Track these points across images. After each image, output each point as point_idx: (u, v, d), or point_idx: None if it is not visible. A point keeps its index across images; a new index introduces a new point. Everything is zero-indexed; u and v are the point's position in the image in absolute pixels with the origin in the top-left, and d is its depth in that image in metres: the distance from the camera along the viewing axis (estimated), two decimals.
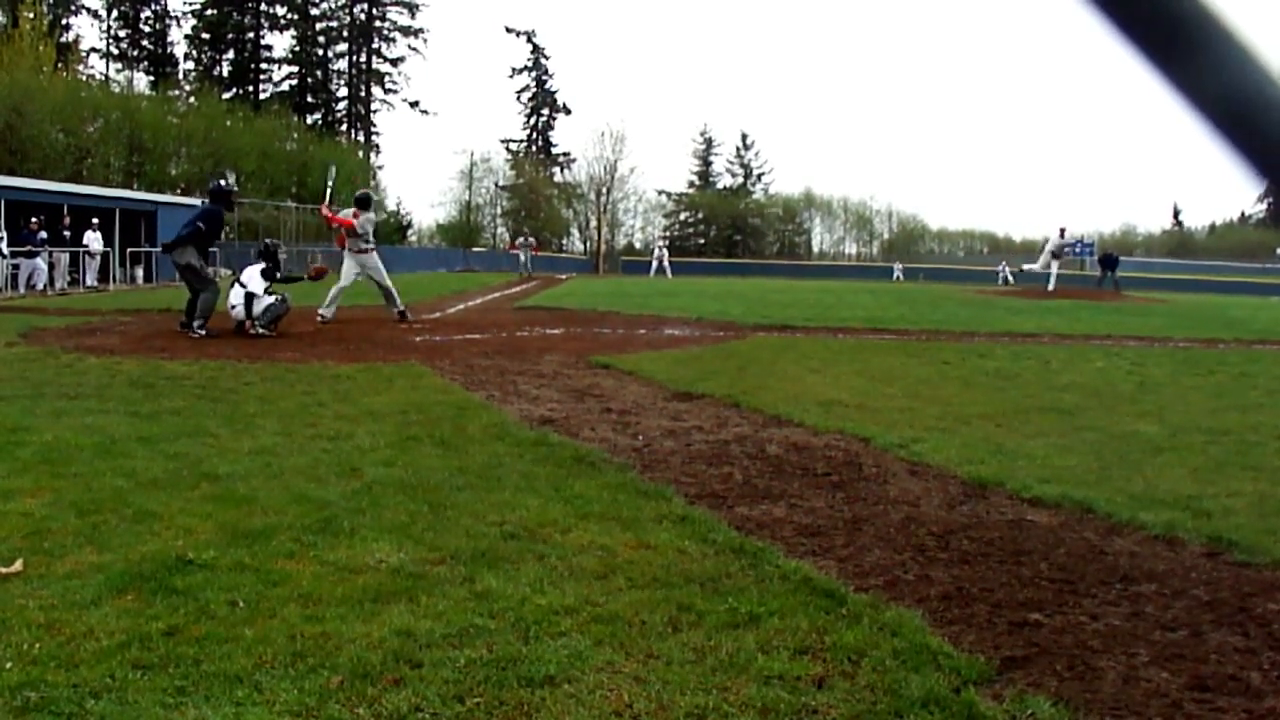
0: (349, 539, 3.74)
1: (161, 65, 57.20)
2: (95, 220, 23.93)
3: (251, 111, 49.80)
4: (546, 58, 69.00)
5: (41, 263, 21.62)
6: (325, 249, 36.93)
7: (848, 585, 3.36)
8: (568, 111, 69.74)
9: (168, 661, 2.66)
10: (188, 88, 53.07)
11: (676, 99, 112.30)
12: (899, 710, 2.49)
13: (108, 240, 24.40)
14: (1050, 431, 6.30)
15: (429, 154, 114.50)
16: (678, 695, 2.54)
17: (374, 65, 62.65)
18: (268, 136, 45.47)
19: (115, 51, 57.07)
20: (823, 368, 9.36)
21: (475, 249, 55.77)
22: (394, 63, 62.68)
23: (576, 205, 64.64)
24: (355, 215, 13.56)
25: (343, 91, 63.00)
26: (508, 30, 73.09)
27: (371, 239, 13.65)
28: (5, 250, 20.37)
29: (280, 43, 63.82)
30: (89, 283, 23.39)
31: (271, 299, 11.28)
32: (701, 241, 68.82)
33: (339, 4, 61.23)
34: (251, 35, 59.62)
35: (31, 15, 38.70)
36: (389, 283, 13.50)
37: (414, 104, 68.26)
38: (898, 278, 49.25)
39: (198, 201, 13.61)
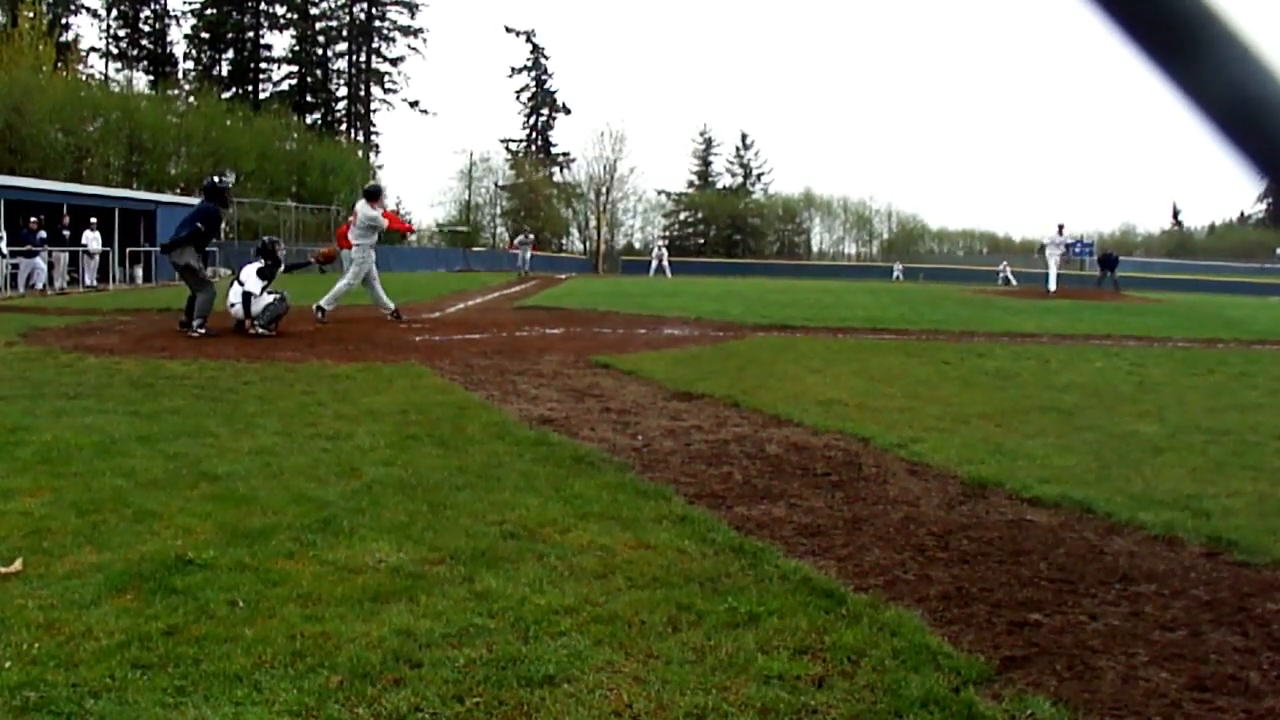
0: (349, 539, 3.74)
1: (161, 65, 57.20)
2: (94, 220, 23.93)
3: (251, 111, 49.80)
4: (546, 57, 69.10)
5: (41, 262, 21.62)
6: (325, 248, 36.91)
7: (847, 585, 3.36)
8: (567, 111, 69.83)
9: (167, 661, 2.66)
10: (187, 87, 53.10)
11: (676, 99, 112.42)
12: (898, 710, 2.49)
13: (107, 240, 24.40)
14: (1050, 431, 6.30)
15: (429, 154, 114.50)
16: (677, 695, 2.54)
17: (374, 65, 62.67)
18: (267, 136, 45.47)
19: (115, 51, 57.13)
20: (822, 367, 9.36)
21: (475, 248, 55.76)
22: (394, 62, 62.73)
23: (576, 205, 64.65)
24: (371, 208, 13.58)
25: (342, 91, 63.03)
26: (507, 30, 73.24)
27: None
28: (5, 250, 20.37)
29: (280, 42, 63.86)
30: (88, 282, 23.38)
31: (271, 298, 11.27)
32: (701, 241, 68.83)
33: (339, 3, 61.25)
34: (251, 35, 59.61)
35: (31, 15, 38.70)
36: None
37: (414, 104, 68.25)
38: (897, 277, 49.21)
39: (197, 201, 13.54)
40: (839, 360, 10.02)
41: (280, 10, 59.75)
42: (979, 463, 5.25)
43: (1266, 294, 38.18)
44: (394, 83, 62.97)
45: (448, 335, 11.94)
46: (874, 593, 3.31)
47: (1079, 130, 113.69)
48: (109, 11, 56.23)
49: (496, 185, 63.56)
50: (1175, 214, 79.82)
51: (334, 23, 61.77)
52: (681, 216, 71.39)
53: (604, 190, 61.57)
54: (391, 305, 13.56)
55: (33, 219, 21.91)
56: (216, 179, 12.39)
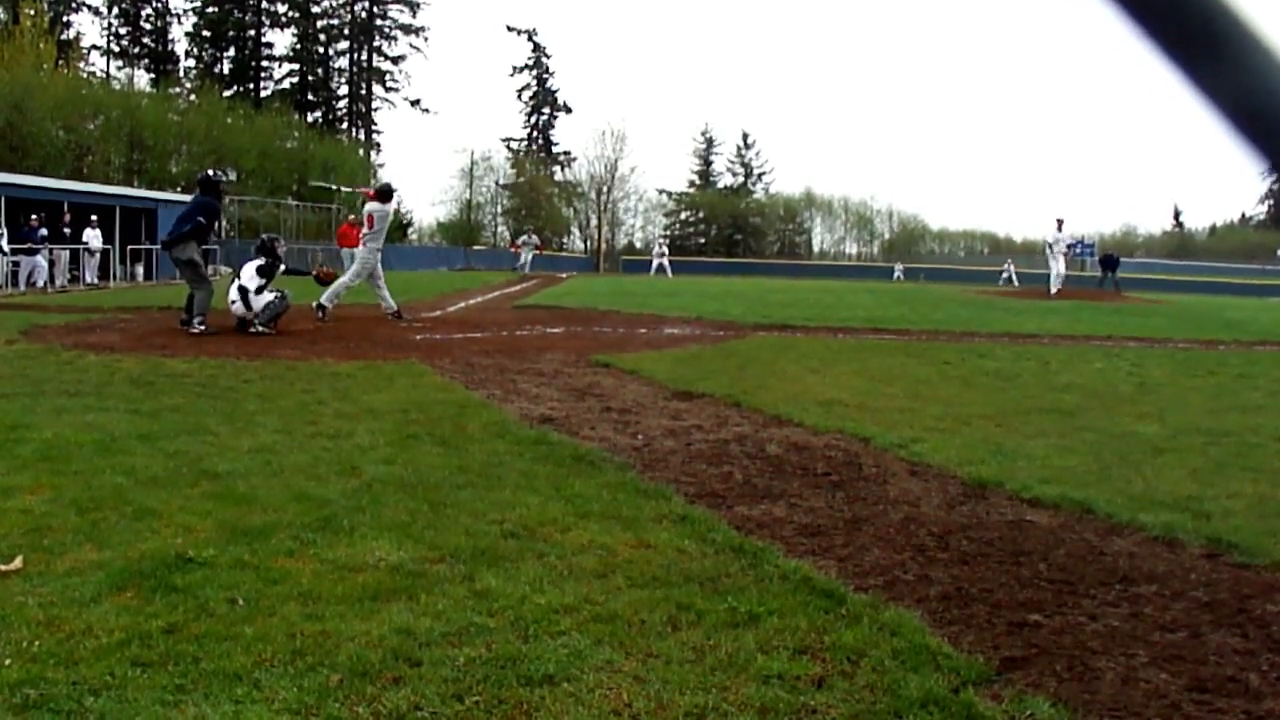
0: (349, 537, 3.74)
1: (162, 62, 57.20)
2: (95, 217, 23.93)
3: (252, 109, 49.82)
4: (547, 56, 69.06)
5: (42, 260, 21.61)
6: (326, 247, 36.96)
7: (847, 585, 3.36)
8: (568, 110, 69.80)
9: (167, 659, 2.67)
10: (188, 85, 53.11)
11: (677, 98, 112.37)
12: (898, 710, 2.49)
13: (108, 238, 24.41)
14: (1050, 432, 6.30)
15: (430, 152, 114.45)
16: (677, 694, 2.54)
17: (375, 63, 62.66)
18: (268, 134, 45.48)
19: (116, 49, 57.12)
20: (823, 367, 9.36)
21: (476, 247, 55.77)
22: (395, 61, 62.73)
23: (577, 204, 64.62)
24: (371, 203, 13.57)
25: (344, 89, 63.02)
26: (509, 29, 73.17)
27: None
28: (6, 247, 20.38)
29: (281, 40, 63.93)
30: (89, 280, 23.38)
31: (272, 295, 11.26)
32: (702, 241, 68.80)
33: (340, 2, 61.26)
34: (252, 33, 59.62)
35: (32, 12, 38.74)
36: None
37: (415, 102, 68.07)
38: (898, 278, 49.15)
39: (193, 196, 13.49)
40: (839, 360, 10.01)
41: (281, 8, 59.80)
42: (979, 463, 5.25)
43: (1267, 295, 38.16)
44: (395, 81, 63.02)
45: (448, 334, 11.94)
46: (874, 593, 3.31)
47: (1080, 131, 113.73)
48: (110, 9, 56.25)
49: (498, 184, 63.57)
50: (1176, 215, 79.75)
51: (335, 21, 61.79)
52: (682, 216, 71.37)
53: (605, 189, 61.56)
54: (394, 305, 13.55)
55: (34, 216, 21.91)
56: (211, 172, 12.34)
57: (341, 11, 61.61)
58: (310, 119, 57.53)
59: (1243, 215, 78.03)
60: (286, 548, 3.60)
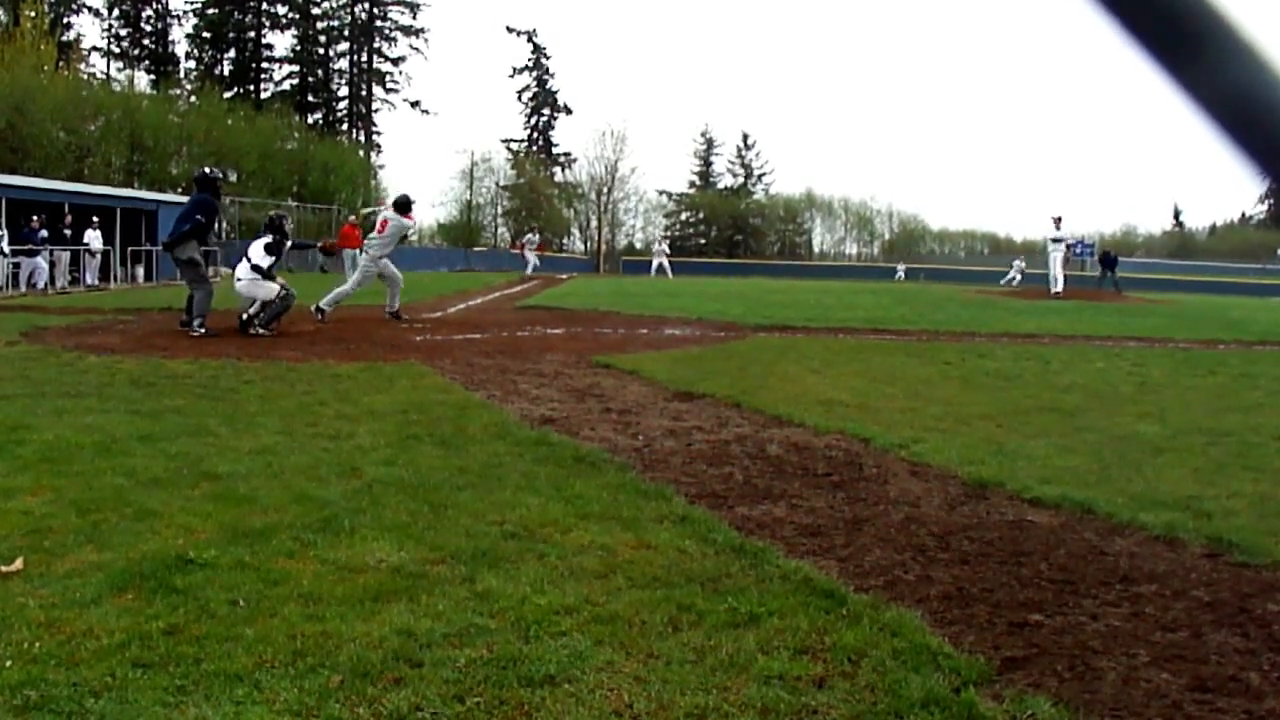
0: (349, 538, 3.74)
1: (163, 64, 57.21)
2: (96, 219, 23.95)
3: (253, 110, 49.83)
4: (547, 57, 68.97)
5: (42, 261, 21.62)
6: (331, 240, 36.95)
7: (848, 585, 3.36)
8: (569, 111, 69.73)
9: (168, 660, 2.67)
10: (189, 86, 53.10)
11: (677, 99, 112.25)
12: (899, 710, 2.49)
13: (108, 239, 24.42)
14: (1051, 432, 6.30)
15: (430, 154, 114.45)
16: (678, 695, 2.54)
17: (375, 65, 62.63)
18: (269, 136, 45.50)
19: (116, 50, 57.11)
20: (823, 368, 9.36)
21: (476, 248, 55.78)
22: (395, 62, 62.69)
23: (577, 205, 64.61)
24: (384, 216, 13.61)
25: (344, 91, 62.97)
26: (508, 30, 72.99)
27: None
28: (6, 249, 20.39)
29: (281, 42, 63.75)
30: (89, 281, 23.39)
31: (276, 291, 11.26)
32: (702, 241, 68.77)
33: (340, 3, 61.23)
34: (253, 34, 59.61)
35: (33, 14, 38.76)
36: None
37: (415, 103, 68.00)
38: (900, 277, 49.05)
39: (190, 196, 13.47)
40: (840, 361, 10.01)
41: (282, 10, 59.78)
42: (980, 463, 5.25)
43: (1268, 295, 38.15)
44: (395, 82, 62.97)
45: (449, 335, 11.94)
46: (875, 593, 3.31)
47: (1080, 131, 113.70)
48: (110, 11, 56.26)
49: (498, 185, 63.55)
50: (1176, 215, 79.68)
51: (335, 22, 61.77)
52: (683, 217, 71.33)
53: (605, 190, 61.53)
54: (397, 307, 13.56)
55: (34, 218, 21.92)
56: (207, 170, 12.30)
57: (342, 13, 61.61)
58: (310, 120, 57.54)
59: (1243, 215, 78.01)
60: (287, 549, 3.60)
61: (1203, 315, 20.19)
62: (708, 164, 74.00)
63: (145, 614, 2.97)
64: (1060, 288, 25.88)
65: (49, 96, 33.78)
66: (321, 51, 61.49)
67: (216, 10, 57.51)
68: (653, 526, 3.98)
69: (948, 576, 3.52)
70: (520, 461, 5.08)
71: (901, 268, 52.19)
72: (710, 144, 73.89)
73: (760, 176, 73.70)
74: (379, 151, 62.92)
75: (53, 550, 3.53)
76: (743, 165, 73.61)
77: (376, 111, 63.45)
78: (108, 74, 54.56)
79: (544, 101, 69.03)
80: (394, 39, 62.48)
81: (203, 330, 10.92)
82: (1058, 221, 26.92)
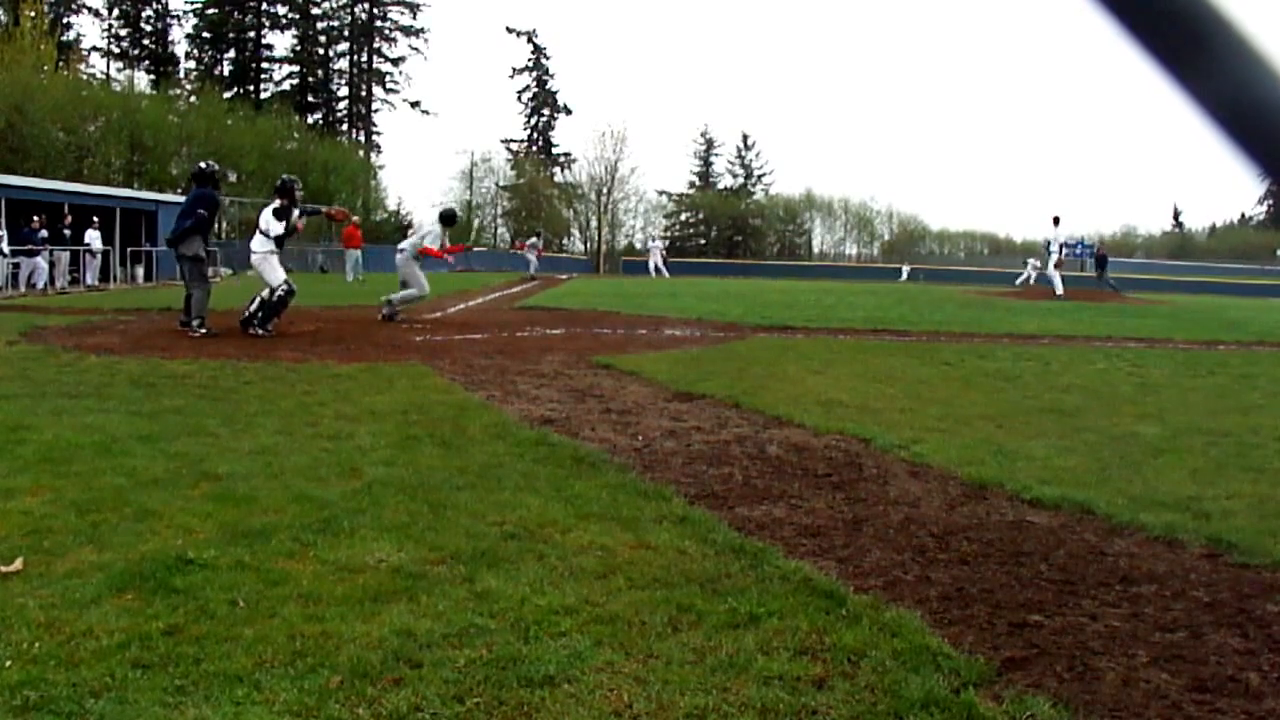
0: (349, 538, 3.74)
1: (162, 64, 57.25)
2: (96, 219, 23.95)
3: (252, 111, 49.88)
4: (547, 58, 69.04)
5: (42, 261, 21.62)
6: (325, 248, 37.01)
7: (848, 586, 3.36)
8: (568, 112, 69.79)
9: (168, 661, 2.67)
10: (189, 87, 53.13)
11: (677, 99, 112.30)
12: (899, 711, 2.49)
13: (108, 239, 24.43)
14: (1050, 432, 6.30)
15: (430, 154, 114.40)
16: (678, 696, 2.54)
17: (375, 65, 62.69)
18: (268, 136, 45.56)
19: (116, 50, 57.17)
20: (823, 368, 9.36)
21: (476, 249, 55.76)
22: (395, 62, 62.75)
23: (577, 205, 64.62)
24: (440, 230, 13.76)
25: (344, 91, 63.05)
26: (508, 30, 72.94)
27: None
28: (6, 249, 20.39)
29: (281, 42, 63.77)
30: (89, 281, 23.40)
31: (282, 278, 11.28)
32: (702, 242, 68.81)
33: (340, 3, 61.28)
34: (252, 34, 59.64)
35: (33, 14, 38.78)
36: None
37: (415, 104, 68.07)
38: (905, 278, 48.60)
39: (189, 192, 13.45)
40: (840, 361, 10.02)
41: (281, 10, 59.83)
42: (979, 464, 5.25)
43: (1267, 295, 38.15)
44: (395, 83, 63.05)
45: (449, 335, 11.94)
46: (874, 593, 3.31)
47: (1080, 132, 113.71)
48: (110, 11, 56.31)
49: (498, 186, 63.57)
50: (1176, 215, 79.71)
51: (335, 22, 61.83)
52: (682, 217, 71.37)
53: (605, 191, 61.55)
54: (396, 311, 13.53)
55: (34, 218, 21.92)
56: (204, 164, 12.28)
57: (341, 13, 61.67)
58: (310, 120, 57.57)
59: (1242, 215, 78.03)
60: (287, 549, 3.60)
61: (1202, 316, 20.19)
62: (708, 164, 74.05)
63: (145, 614, 2.97)
64: (1060, 290, 25.70)
65: (49, 96, 33.82)
66: (321, 51, 61.53)
67: (216, 10, 57.55)
68: (652, 527, 3.98)
69: (947, 577, 3.52)
70: (520, 462, 5.08)
71: (907, 268, 51.94)
72: (710, 144, 73.94)
73: (760, 177, 73.78)
74: (379, 152, 63.02)
75: (52, 550, 3.53)
76: (742, 165, 73.65)
77: (376, 112, 63.56)
78: (107, 74, 54.64)
79: (544, 102, 69.06)
80: (394, 39, 62.58)
81: (203, 330, 10.92)
82: (1056, 221, 26.71)
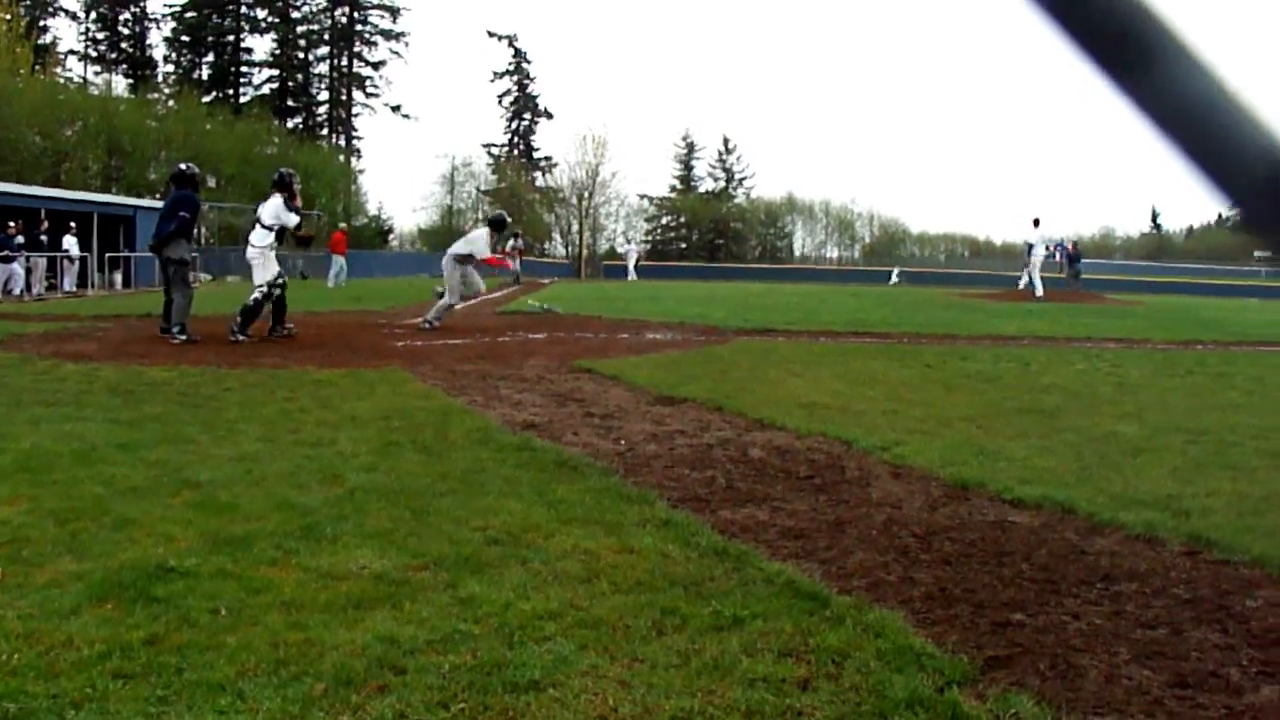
0: (331, 545, 3.72)
1: (140, 68, 56.80)
2: (73, 224, 23.75)
3: (232, 115, 49.58)
4: (528, 62, 68.99)
5: (18, 268, 21.41)
6: (308, 255, 36.77)
7: (831, 587, 3.37)
8: (549, 116, 69.72)
9: (149, 670, 2.64)
10: (167, 90, 52.79)
11: (658, 103, 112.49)
12: (883, 711, 2.50)
13: (86, 245, 24.22)
14: (1031, 433, 6.35)
15: (411, 158, 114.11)
16: (662, 699, 2.54)
17: (355, 69, 62.44)
18: (248, 140, 45.31)
19: (93, 54, 56.69)
20: (805, 371, 9.39)
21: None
22: (375, 66, 62.53)
23: (558, 209, 64.56)
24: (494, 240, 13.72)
25: (324, 95, 62.75)
26: (489, 34, 72.98)
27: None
28: None
29: (261, 46, 63.78)
30: (67, 288, 23.19)
31: (275, 272, 11.24)
32: (683, 245, 68.90)
33: (320, 7, 61.02)
34: (232, 38, 59.29)
35: (8, 17, 38.41)
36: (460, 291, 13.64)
37: (395, 108, 67.68)
38: (894, 282, 47.98)
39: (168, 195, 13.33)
40: (821, 364, 10.05)
41: (261, 14, 59.50)
42: (961, 465, 5.28)
43: (1244, 296, 38.55)
44: (375, 87, 62.80)
45: (430, 340, 11.90)
46: (858, 595, 3.32)
47: (1058, 134, 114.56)
48: (87, 14, 55.85)
49: (479, 190, 63.42)
50: (1154, 217, 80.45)
51: (315, 26, 61.54)
52: (664, 221, 71.44)
53: (586, 195, 61.51)
54: (437, 323, 13.26)
55: (10, 224, 21.70)
56: (184, 166, 12.17)
57: (321, 17, 61.39)
58: (290, 125, 57.29)
59: (1219, 217, 78.70)
60: (269, 556, 3.58)
61: (1180, 316, 20.39)
62: (689, 168, 74.13)
63: (125, 624, 2.94)
64: (1041, 291, 25.70)
65: (25, 100, 33.53)
66: (301, 55, 61.24)
67: (195, 14, 57.17)
68: (636, 531, 3.98)
69: (930, 577, 3.53)
70: (502, 467, 5.07)
71: (896, 270, 51.62)
72: (691, 148, 74.04)
73: (741, 180, 73.95)
74: (359, 156, 62.75)
75: (31, 560, 3.49)
76: (724, 169, 73.80)
77: (357, 116, 63.31)
78: (85, 78, 54.18)
79: (525, 106, 68.98)
80: (374, 43, 62.35)
81: (183, 337, 10.84)
82: (1036, 222, 26.67)
